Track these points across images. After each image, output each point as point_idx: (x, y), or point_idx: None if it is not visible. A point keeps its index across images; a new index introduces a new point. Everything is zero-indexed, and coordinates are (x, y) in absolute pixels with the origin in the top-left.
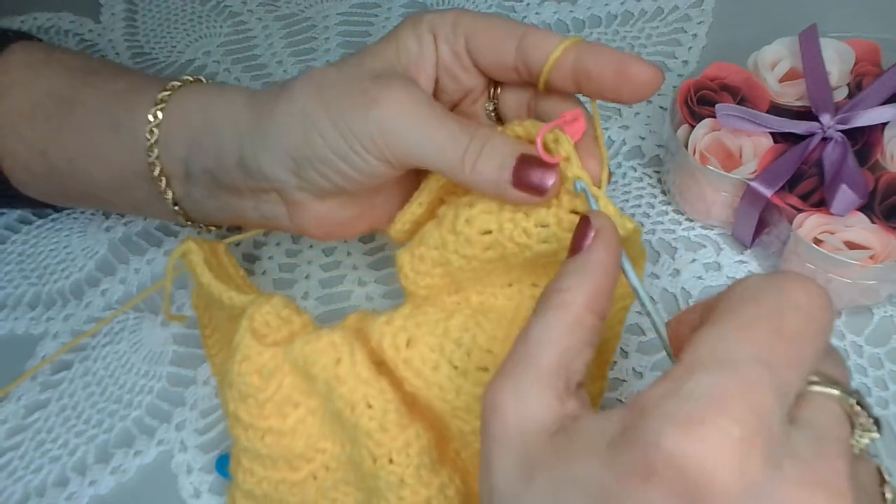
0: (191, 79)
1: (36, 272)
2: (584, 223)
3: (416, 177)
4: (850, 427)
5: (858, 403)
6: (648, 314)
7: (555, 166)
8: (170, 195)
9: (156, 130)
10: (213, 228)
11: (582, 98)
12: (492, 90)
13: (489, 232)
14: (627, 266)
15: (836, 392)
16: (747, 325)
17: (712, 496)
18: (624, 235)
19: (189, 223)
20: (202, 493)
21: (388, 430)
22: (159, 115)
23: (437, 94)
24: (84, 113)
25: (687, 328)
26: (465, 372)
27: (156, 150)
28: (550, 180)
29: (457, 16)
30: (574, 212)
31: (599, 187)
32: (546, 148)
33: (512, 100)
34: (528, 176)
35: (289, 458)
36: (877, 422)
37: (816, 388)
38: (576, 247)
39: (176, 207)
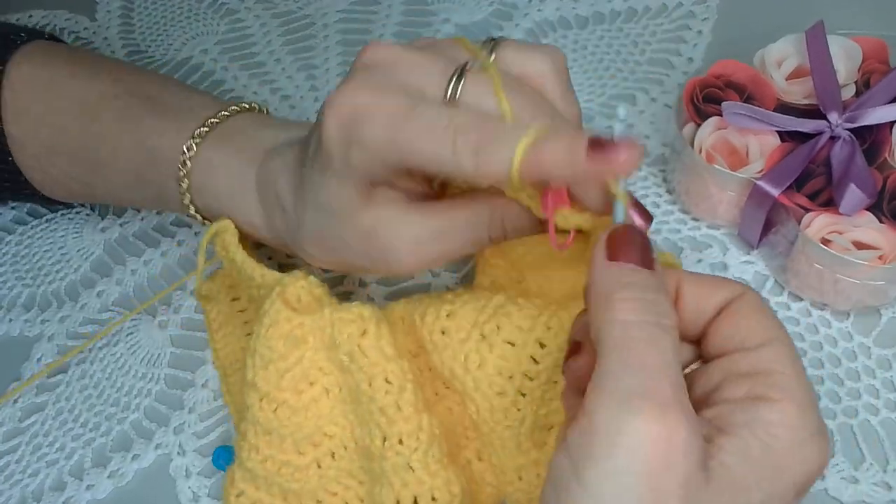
0: (216, 119)
1: (31, 273)
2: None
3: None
4: None
5: None
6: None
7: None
8: (193, 210)
9: (186, 180)
10: None
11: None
12: None
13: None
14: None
15: None
16: None
17: None
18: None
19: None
20: (201, 497)
21: (403, 410)
22: (188, 163)
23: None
24: (113, 132)
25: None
26: (491, 345)
27: (189, 195)
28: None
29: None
30: None
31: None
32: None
33: None
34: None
35: (297, 439)
36: None
37: None
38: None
39: (193, 211)
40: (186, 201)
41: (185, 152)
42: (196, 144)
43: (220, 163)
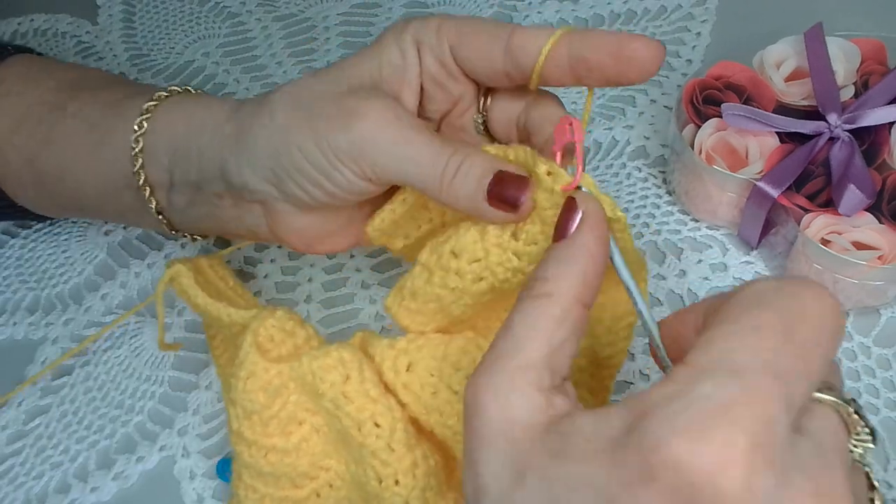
0: (178, 89)
1: (35, 277)
2: (570, 206)
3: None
4: (847, 435)
5: (856, 412)
6: (638, 310)
7: (528, 182)
8: (154, 204)
9: (141, 140)
10: (198, 238)
11: (566, 107)
12: (481, 101)
13: (478, 260)
14: (616, 252)
15: (835, 400)
16: (758, 330)
17: None
18: (612, 218)
19: (174, 233)
20: (205, 498)
21: (395, 451)
22: (144, 124)
23: (423, 105)
24: (73, 122)
25: (689, 328)
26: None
27: (140, 160)
28: (524, 196)
29: (440, 23)
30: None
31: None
32: (529, 166)
33: (501, 112)
34: (502, 191)
35: (292, 476)
36: (872, 432)
37: (818, 396)
38: (561, 232)
39: (160, 216)
40: (140, 175)
41: (142, 113)
42: (152, 107)
43: (178, 111)
